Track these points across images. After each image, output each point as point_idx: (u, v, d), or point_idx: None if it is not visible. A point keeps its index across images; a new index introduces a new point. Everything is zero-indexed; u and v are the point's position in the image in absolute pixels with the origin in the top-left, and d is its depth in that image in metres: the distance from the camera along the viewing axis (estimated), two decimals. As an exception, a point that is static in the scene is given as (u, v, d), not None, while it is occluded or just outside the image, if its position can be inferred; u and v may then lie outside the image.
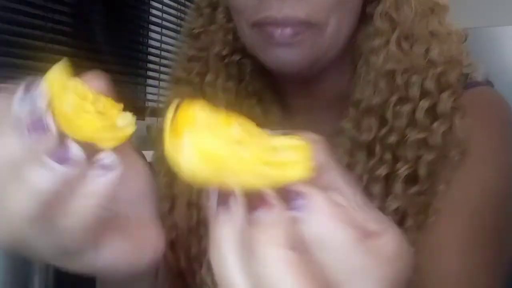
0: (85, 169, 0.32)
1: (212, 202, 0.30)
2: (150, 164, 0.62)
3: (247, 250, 0.29)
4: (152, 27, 2.27)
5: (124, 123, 0.33)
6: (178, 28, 2.41)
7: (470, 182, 0.57)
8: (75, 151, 0.32)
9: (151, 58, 2.29)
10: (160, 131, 0.54)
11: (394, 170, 0.56)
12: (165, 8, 2.32)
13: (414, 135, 0.56)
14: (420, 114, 0.56)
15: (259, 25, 0.56)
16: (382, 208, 0.55)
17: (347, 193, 0.31)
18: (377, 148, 0.57)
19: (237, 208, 0.29)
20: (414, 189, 0.56)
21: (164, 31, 2.31)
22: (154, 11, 2.27)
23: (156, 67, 2.29)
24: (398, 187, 0.56)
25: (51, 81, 0.33)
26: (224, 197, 0.29)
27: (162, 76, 2.29)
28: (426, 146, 0.56)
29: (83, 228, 0.33)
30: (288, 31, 0.54)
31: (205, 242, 0.63)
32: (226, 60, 0.66)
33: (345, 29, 0.58)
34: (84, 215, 0.33)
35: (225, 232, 0.29)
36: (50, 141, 0.32)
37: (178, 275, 0.66)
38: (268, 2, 0.54)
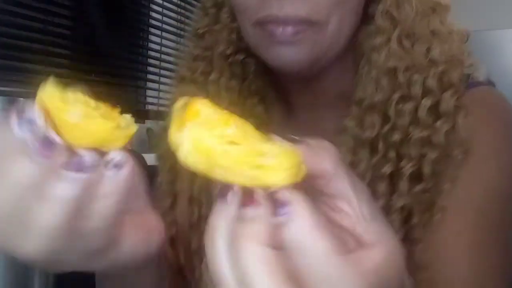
0: (100, 172, 0.34)
1: (215, 192, 0.33)
2: (150, 168, 0.63)
3: (235, 243, 0.31)
4: (152, 30, 2.27)
5: (126, 123, 0.35)
6: (178, 31, 2.41)
7: (473, 182, 0.57)
8: (89, 156, 0.34)
9: (151, 61, 2.29)
10: (163, 129, 0.55)
11: (398, 168, 0.57)
12: (165, 11, 2.32)
13: (417, 133, 0.57)
14: (422, 113, 0.57)
15: (260, 23, 0.56)
16: (388, 206, 0.56)
17: (353, 203, 0.33)
18: (380, 145, 0.58)
19: (232, 202, 0.31)
20: (419, 187, 0.56)
21: (164, 34, 2.31)
22: (154, 14, 2.28)
23: (156, 70, 2.29)
24: (403, 185, 0.56)
25: (47, 97, 0.34)
26: (225, 189, 0.32)
27: (162, 79, 2.29)
28: (429, 144, 0.56)
29: (107, 227, 0.36)
30: (289, 29, 0.55)
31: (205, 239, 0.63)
32: (230, 59, 0.67)
33: (346, 28, 0.58)
34: (107, 214, 0.35)
35: (218, 223, 0.32)
36: (61, 154, 0.33)
37: (178, 271, 0.67)
38: (269, 1, 0.55)
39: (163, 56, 2.32)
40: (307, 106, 0.66)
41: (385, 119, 0.58)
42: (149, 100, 2.29)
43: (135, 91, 2.29)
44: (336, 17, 0.56)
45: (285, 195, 0.31)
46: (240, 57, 0.67)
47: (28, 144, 0.33)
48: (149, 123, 2.08)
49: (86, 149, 0.34)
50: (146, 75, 2.28)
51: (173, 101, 0.67)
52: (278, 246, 0.30)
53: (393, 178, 0.57)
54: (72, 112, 0.34)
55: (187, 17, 2.47)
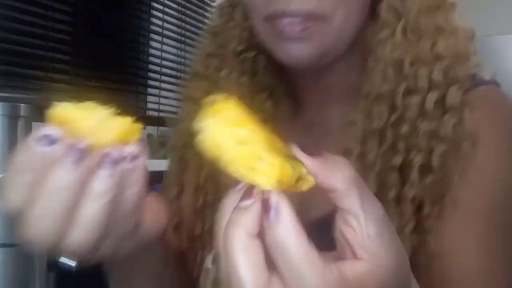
0: (125, 164, 0.40)
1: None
2: (151, 173, 0.64)
3: (226, 229, 0.35)
4: (153, 36, 2.28)
5: (131, 121, 0.41)
6: (179, 37, 2.42)
7: (482, 176, 0.59)
8: (115, 152, 0.39)
9: (151, 67, 2.29)
10: (177, 122, 0.68)
11: (408, 160, 0.59)
12: (166, 17, 2.33)
13: (425, 126, 0.58)
14: (429, 106, 0.59)
15: (270, 19, 0.59)
16: (400, 197, 0.58)
17: (359, 220, 0.36)
18: (389, 135, 0.59)
19: (236, 193, 0.37)
20: (429, 178, 0.58)
21: (165, 40, 2.32)
22: (154, 20, 2.28)
23: (157, 76, 2.30)
24: (413, 176, 0.58)
25: (63, 112, 0.39)
26: (236, 182, 0.37)
27: (163, 85, 2.30)
28: (437, 137, 0.58)
29: (135, 211, 0.42)
30: (297, 26, 0.57)
31: (208, 224, 0.69)
32: (241, 56, 0.70)
33: (352, 23, 0.60)
34: (135, 199, 0.41)
35: (224, 209, 0.37)
36: (89, 155, 0.38)
37: (180, 257, 0.70)
38: None
39: (164, 62, 2.33)
40: (315, 102, 0.69)
41: (393, 109, 0.60)
42: (150, 106, 2.29)
43: (136, 97, 2.29)
44: (341, 11, 0.58)
45: (273, 199, 0.34)
46: (251, 54, 0.70)
47: (59, 155, 0.38)
48: (149, 129, 2.08)
49: (109, 146, 0.39)
50: (147, 81, 2.29)
51: (186, 95, 0.73)
52: (263, 240, 0.34)
53: (404, 169, 0.58)
54: (90, 117, 0.39)
55: (188, 23, 2.48)
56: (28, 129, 1.01)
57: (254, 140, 0.36)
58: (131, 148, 0.40)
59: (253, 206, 0.35)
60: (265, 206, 0.34)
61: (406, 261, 0.41)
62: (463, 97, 0.59)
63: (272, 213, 0.34)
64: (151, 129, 2.09)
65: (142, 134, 0.41)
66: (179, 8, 2.42)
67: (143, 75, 2.28)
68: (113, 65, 2.01)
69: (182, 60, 2.42)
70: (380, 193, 0.58)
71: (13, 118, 0.97)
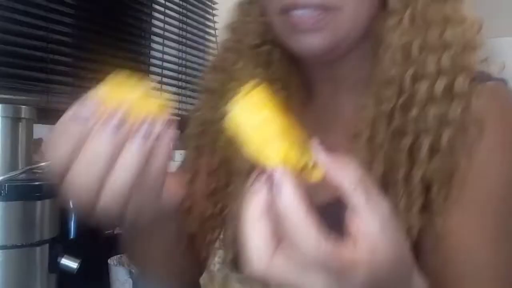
0: (154, 137, 0.45)
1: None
2: None
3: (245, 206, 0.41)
4: (154, 38, 2.28)
5: (162, 101, 0.47)
6: (180, 39, 2.42)
7: (489, 163, 0.61)
8: (146, 129, 0.45)
9: (153, 69, 2.29)
10: (194, 111, 0.79)
11: (417, 142, 0.61)
12: (167, 19, 2.33)
13: (434, 110, 0.61)
14: (438, 91, 0.61)
15: (284, 11, 0.63)
16: (408, 177, 0.60)
17: (364, 217, 0.40)
18: (397, 117, 0.62)
19: (256, 176, 0.41)
20: (437, 159, 0.60)
21: (166, 42, 2.32)
22: (156, 22, 2.29)
23: (158, 78, 2.30)
24: (422, 157, 0.60)
25: (110, 88, 0.46)
26: (259, 169, 0.42)
27: (164, 87, 2.30)
28: (445, 121, 0.60)
29: (160, 180, 0.48)
30: (310, 19, 0.61)
31: (219, 207, 0.74)
32: (256, 50, 0.74)
33: (363, 13, 0.64)
34: (160, 171, 0.47)
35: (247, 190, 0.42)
36: (126, 132, 0.44)
37: (190, 238, 0.74)
38: None
39: (165, 64, 2.33)
40: (327, 92, 0.72)
41: (401, 93, 0.62)
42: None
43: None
44: (351, 1, 0.62)
45: (276, 175, 0.40)
46: (266, 48, 0.73)
47: (98, 126, 0.44)
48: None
49: (141, 122, 0.45)
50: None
51: (203, 87, 0.81)
52: (274, 213, 0.40)
53: (413, 151, 0.61)
54: (128, 94, 0.46)
55: (189, 25, 2.48)
56: (29, 131, 1.01)
57: (269, 125, 0.42)
58: (160, 126, 0.46)
59: (261, 188, 0.40)
60: (271, 182, 0.40)
61: (408, 258, 0.45)
62: (471, 87, 0.61)
63: (275, 187, 0.39)
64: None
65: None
66: (180, 10, 2.43)
67: (144, 77, 2.28)
68: (114, 67, 2.01)
69: (183, 62, 2.43)
70: (389, 174, 0.61)
71: (14, 120, 0.97)
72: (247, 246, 0.40)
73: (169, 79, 2.35)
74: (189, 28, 2.48)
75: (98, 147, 0.44)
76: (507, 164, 0.62)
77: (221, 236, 0.76)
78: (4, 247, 0.91)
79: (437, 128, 0.60)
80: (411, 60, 0.62)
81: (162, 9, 2.30)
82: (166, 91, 2.29)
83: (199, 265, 0.78)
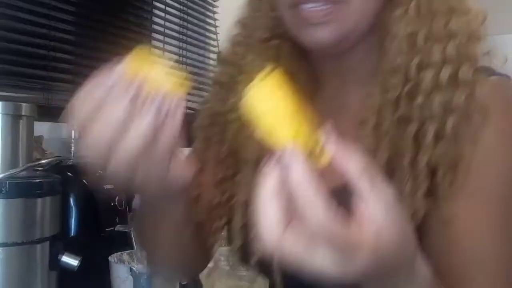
0: (166, 110, 0.50)
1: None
2: None
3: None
4: (155, 35, 2.28)
5: (181, 79, 0.51)
6: (180, 36, 2.42)
7: (493, 149, 0.62)
8: (162, 100, 0.49)
9: (153, 66, 2.29)
10: (203, 104, 0.83)
11: (423, 128, 0.63)
12: (167, 16, 2.33)
13: (439, 97, 0.62)
14: (443, 78, 0.62)
15: (295, 5, 0.65)
16: (414, 163, 0.62)
17: (369, 203, 0.42)
18: (403, 104, 0.63)
19: (273, 158, 0.44)
20: (442, 144, 0.62)
21: (166, 39, 2.32)
22: (156, 20, 2.29)
23: (159, 75, 2.29)
24: (427, 142, 0.62)
25: (137, 60, 0.51)
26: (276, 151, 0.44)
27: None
28: (450, 108, 0.62)
29: (168, 153, 0.52)
30: (320, 12, 0.63)
31: (226, 196, 0.77)
32: (266, 44, 0.75)
33: (371, 5, 0.65)
34: (169, 141, 0.51)
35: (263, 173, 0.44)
36: (144, 100, 0.49)
37: (197, 227, 0.75)
38: None
39: (166, 61, 2.33)
40: (335, 86, 0.74)
41: (406, 81, 0.64)
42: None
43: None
44: None
45: (287, 153, 0.42)
46: (275, 42, 0.75)
47: (119, 92, 0.49)
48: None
49: (159, 95, 0.49)
50: (149, 80, 2.29)
51: (213, 79, 0.85)
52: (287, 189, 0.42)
53: (418, 137, 0.63)
54: (152, 69, 0.50)
55: (190, 23, 2.48)
56: (30, 129, 1.01)
57: (281, 108, 0.44)
58: (173, 102, 0.50)
59: (274, 168, 0.43)
60: (282, 162, 0.42)
61: (411, 243, 0.48)
62: (475, 76, 0.63)
63: (286, 165, 0.42)
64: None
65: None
66: (181, 7, 2.42)
67: (144, 74, 2.28)
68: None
69: (184, 59, 2.43)
70: (394, 160, 0.63)
71: (15, 117, 0.97)
72: (259, 224, 0.42)
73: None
74: (189, 26, 2.48)
75: (114, 111, 0.49)
76: (509, 156, 0.63)
77: (227, 224, 0.77)
78: (5, 245, 0.92)
79: (442, 115, 0.62)
80: (417, 49, 0.64)
81: (163, 6, 2.30)
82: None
83: (206, 254, 0.81)
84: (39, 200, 0.96)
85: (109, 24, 1.95)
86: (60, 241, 1.01)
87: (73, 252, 1.01)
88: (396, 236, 0.43)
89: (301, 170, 0.41)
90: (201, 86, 2.02)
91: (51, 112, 1.58)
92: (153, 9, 2.27)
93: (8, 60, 1.56)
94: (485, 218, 0.61)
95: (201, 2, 2.55)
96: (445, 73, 0.62)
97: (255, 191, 0.43)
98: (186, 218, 0.69)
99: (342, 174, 0.42)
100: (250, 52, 0.76)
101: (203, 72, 2.47)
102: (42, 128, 1.47)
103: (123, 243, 1.21)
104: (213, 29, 2.58)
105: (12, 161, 0.96)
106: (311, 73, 0.76)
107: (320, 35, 0.64)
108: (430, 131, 0.62)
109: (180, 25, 2.41)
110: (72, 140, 1.36)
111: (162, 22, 2.30)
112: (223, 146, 0.77)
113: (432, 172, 0.62)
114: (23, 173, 0.96)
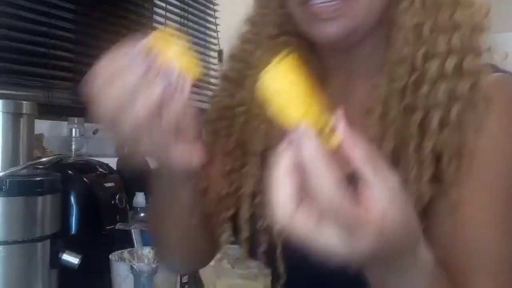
0: (175, 84, 0.53)
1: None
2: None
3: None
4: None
5: (195, 60, 0.55)
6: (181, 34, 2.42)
7: (496, 136, 0.64)
8: (173, 74, 0.53)
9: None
10: (211, 98, 0.87)
11: (428, 116, 0.64)
12: (168, 14, 2.33)
13: (444, 86, 0.63)
14: (449, 68, 0.64)
15: (304, 1, 0.67)
16: (419, 149, 0.64)
17: (373, 189, 0.43)
18: (408, 94, 0.65)
19: (288, 137, 0.45)
20: (447, 131, 0.63)
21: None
22: (157, 18, 2.29)
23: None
24: (432, 129, 0.63)
25: (157, 38, 0.55)
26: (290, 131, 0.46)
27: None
28: (455, 96, 0.63)
29: (172, 125, 0.54)
30: (329, 7, 0.65)
31: (234, 187, 0.78)
32: (274, 40, 0.76)
33: (377, 1, 0.67)
34: (175, 113, 0.53)
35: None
36: (157, 71, 0.53)
37: (205, 218, 0.76)
38: None
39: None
40: (342, 80, 0.75)
41: (413, 71, 0.66)
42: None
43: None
44: None
45: (299, 131, 0.44)
46: (283, 38, 0.76)
47: (138, 62, 0.53)
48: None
49: (171, 69, 0.53)
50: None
51: (222, 75, 0.87)
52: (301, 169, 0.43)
53: (423, 125, 0.64)
54: (170, 46, 0.54)
55: (190, 20, 2.48)
56: (30, 127, 1.01)
57: (294, 89, 0.47)
58: (184, 77, 0.53)
59: (288, 148, 0.44)
60: (293, 139, 0.44)
61: (415, 228, 0.49)
62: (479, 66, 0.64)
63: (298, 142, 0.44)
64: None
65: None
66: (182, 5, 2.42)
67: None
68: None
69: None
70: (400, 148, 0.64)
71: (15, 115, 0.97)
72: (272, 202, 0.44)
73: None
74: (190, 24, 2.48)
75: (128, 79, 0.52)
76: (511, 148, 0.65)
77: (235, 215, 0.78)
78: (6, 243, 0.92)
79: (447, 103, 0.63)
80: (423, 40, 0.65)
81: (163, 4, 2.30)
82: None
83: (214, 246, 0.82)
84: (39, 198, 0.96)
85: (110, 22, 1.95)
86: (61, 239, 1.01)
87: (74, 250, 1.01)
88: (401, 218, 0.45)
89: (313, 146, 0.43)
90: (200, 84, 2.02)
91: (52, 110, 1.58)
92: (154, 7, 2.27)
93: (8, 58, 1.56)
94: (489, 206, 0.63)
95: (201, 1, 2.55)
96: (450, 63, 0.64)
97: (262, 182, 0.45)
98: (193, 205, 0.71)
99: (349, 161, 0.44)
100: (258, 49, 0.77)
101: (204, 70, 2.46)
102: (42, 126, 1.47)
103: (123, 241, 1.21)
104: (213, 27, 2.58)
105: (13, 159, 0.96)
106: (318, 69, 0.76)
107: (329, 30, 0.66)
108: (435, 118, 0.63)
109: (180, 23, 2.41)
110: (73, 138, 1.36)
111: (163, 20, 2.30)
112: (231, 139, 0.79)
113: (437, 158, 0.63)
114: (24, 171, 0.96)
